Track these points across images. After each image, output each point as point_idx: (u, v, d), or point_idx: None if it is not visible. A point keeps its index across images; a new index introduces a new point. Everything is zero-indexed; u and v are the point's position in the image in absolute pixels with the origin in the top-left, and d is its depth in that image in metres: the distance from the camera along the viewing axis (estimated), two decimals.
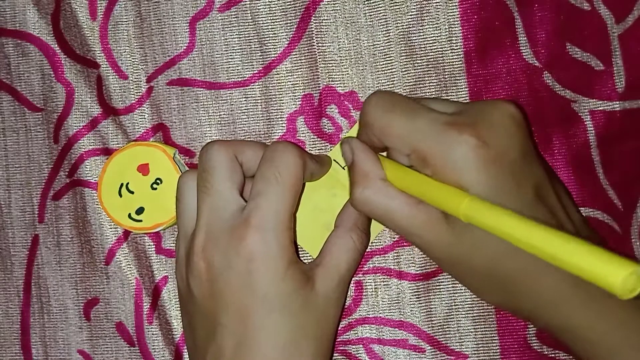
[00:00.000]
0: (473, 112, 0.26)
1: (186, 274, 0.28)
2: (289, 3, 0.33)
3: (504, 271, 0.25)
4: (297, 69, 0.33)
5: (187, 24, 0.34)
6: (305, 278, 0.27)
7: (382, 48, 0.33)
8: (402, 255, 0.33)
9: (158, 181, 0.32)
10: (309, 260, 0.33)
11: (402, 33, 0.32)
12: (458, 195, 0.23)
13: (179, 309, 0.33)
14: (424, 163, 0.25)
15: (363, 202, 0.27)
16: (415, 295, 0.32)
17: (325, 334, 0.28)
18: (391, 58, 0.32)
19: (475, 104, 0.27)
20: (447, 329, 0.32)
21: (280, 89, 0.33)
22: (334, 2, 0.33)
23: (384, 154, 0.29)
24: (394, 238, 0.33)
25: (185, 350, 0.33)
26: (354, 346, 0.33)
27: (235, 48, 0.33)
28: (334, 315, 0.29)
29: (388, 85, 0.32)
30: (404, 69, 0.32)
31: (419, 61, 0.32)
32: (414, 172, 0.26)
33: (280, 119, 0.33)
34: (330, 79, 0.33)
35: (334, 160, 0.32)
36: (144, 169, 0.32)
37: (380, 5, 0.33)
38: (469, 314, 0.32)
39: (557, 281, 0.24)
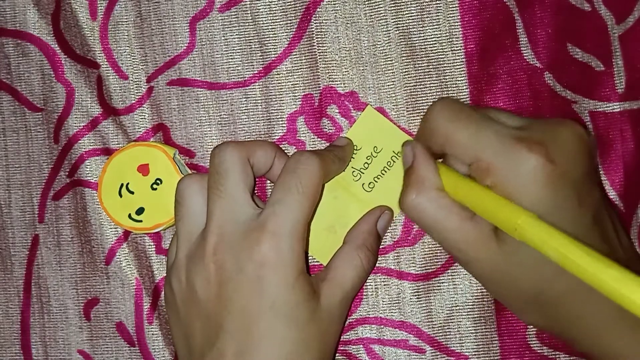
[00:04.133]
0: (541, 129, 0.26)
1: (188, 276, 0.28)
2: (289, 3, 0.33)
3: (549, 294, 0.25)
4: (298, 69, 0.33)
5: (188, 24, 0.34)
6: (312, 290, 0.27)
7: (382, 48, 0.33)
8: (402, 255, 0.32)
9: (158, 181, 0.32)
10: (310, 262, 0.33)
11: (402, 33, 0.32)
12: (515, 211, 0.23)
13: None
14: (485, 174, 0.25)
15: (413, 208, 0.27)
16: (415, 295, 0.32)
17: (327, 350, 0.28)
18: (391, 58, 0.32)
19: (542, 121, 0.27)
20: (447, 330, 0.32)
21: (281, 89, 0.33)
22: (334, 2, 0.33)
23: (440, 160, 0.29)
24: (394, 238, 0.33)
25: None
26: (354, 346, 0.33)
27: (235, 48, 0.33)
28: (335, 331, 0.29)
29: (388, 85, 0.32)
30: (404, 69, 0.32)
31: (420, 61, 0.32)
32: (471, 181, 0.26)
33: (280, 119, 0.33)
34: (331, 79, 0.33)
35: None
36: (144, 169, 0.32)
37: (381, 5, 0.32)
38: (470, 314, 0.32)
39: (603, 306, 0.24)
